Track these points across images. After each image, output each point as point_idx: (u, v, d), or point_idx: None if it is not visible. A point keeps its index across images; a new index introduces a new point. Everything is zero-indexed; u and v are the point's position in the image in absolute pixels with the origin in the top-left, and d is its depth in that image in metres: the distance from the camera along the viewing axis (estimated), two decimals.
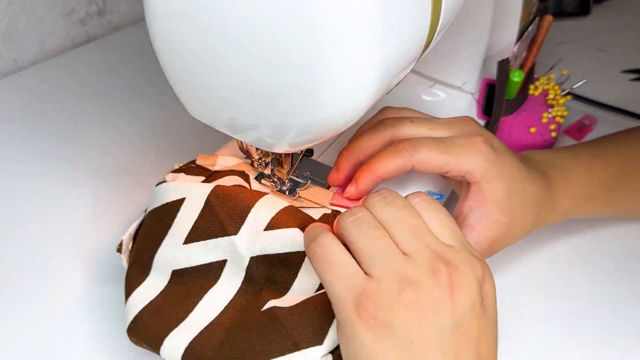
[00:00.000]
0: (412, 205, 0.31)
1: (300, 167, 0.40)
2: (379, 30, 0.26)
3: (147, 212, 0.38)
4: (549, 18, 0.50)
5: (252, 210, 0.34)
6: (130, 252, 0.38)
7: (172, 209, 0.36)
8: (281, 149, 0.34)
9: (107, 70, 0.65)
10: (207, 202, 0.35)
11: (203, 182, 0.38)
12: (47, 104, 0.59)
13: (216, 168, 0.40)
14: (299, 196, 0.38)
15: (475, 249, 0.31)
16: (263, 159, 0.38)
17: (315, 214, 0.36)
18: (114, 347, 0.37)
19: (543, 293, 0.43)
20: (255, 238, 0.34)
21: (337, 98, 0.27)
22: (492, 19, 0.46)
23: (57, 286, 0.41)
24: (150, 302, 0.35)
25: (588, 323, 0.41)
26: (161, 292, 0.35)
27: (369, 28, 0.26)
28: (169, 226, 0.36)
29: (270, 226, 0.33)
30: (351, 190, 0.36)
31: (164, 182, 0.39)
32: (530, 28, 0.50)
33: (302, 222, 0.34)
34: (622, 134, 0.45)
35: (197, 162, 0.40)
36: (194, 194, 0.36)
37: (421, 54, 0.32)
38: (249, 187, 0.38)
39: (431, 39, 0.31)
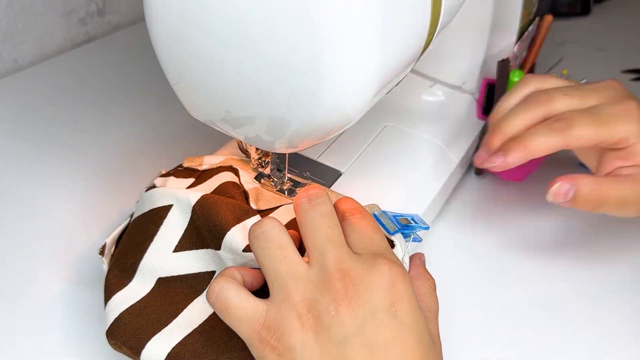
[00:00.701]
0: (333, 213, 0.31)
1: (300, 167, 0.40)
2: (379, 30, 0.26)
3: (133, 217, 0.37)
4: (549, 18, 0.50)
5: (227, 234, 0.33)
6: (112, 255, 0.37)
7: (159, 215, 0.35)
8: (281, 149, 0.34)
9: (107, 70, 0.65)
10: (194, 212, 0.34)
11: (193, 183, 0.38)
12: (46, 104, 0.59)
13: (204, 167, 0.40)
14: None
15: (389, 249, 0.31)
16: (263, 158, 0.38)
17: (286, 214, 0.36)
18: (93, 350, 0.37)
19: (545, 296, 0.43)
20: (236, 256, 0.33)
21: (337, 98, 0.27)
22: (492, 19, 0.46)
23: (45, 287, 0.41)
24: (132, 305, 0.34)
25: (589, 324, 0.41)
26: (144, 297, 0.34)
27: (369, 28, 0.26)
28: (154, 232, 0.35)
29: (248, 249, 0.33)
30: (498, 160, 0.35)
31: (153, 187, 0.38)
32: (530, 28, 0.50)
33: None
34: None
35: (184, 165, 0.40)
36: (182, 202, 0.35)
37: (421, 54, 0.32)
38: (239, 185, 0.37)
39: (431, 39, 0.31)
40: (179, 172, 0.39)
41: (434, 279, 0.34)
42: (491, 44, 0.48)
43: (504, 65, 0.46)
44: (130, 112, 0.59)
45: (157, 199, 0.36)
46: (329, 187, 0.39)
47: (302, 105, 0.28)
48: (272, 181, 0.39)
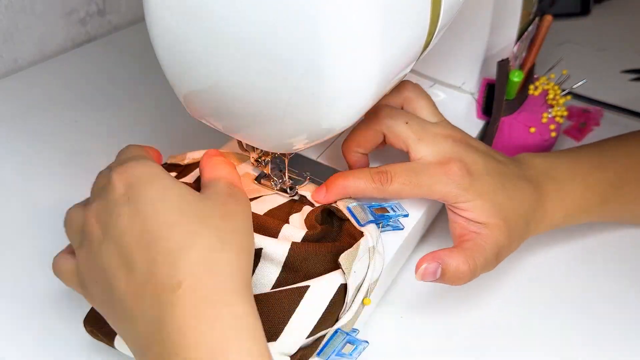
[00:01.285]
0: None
1: (300, 167, 0.40)
2: (379, 30, 0.26)
3: None
4: (549, 18, 0.50)
5: None
6: None
7: None
8: (281, 148, 0.34)
9: (107, 70, 0.65)
10: None
11: (176, 175, 0.39)
12: (47, 104, 0.59)
13: (186, 162, 0.40)
14: (296, 193, 0.38)
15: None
16: (263, 158, 0.38)
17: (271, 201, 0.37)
18: (92, 349, 0.37)
19: (543, 296, 0.43)
20: None
21: (337, 98, 0.27)
22: (492, 19, 0.46)
23: (51, 286, 0.41)
24: None
25: (587, 324, 0.41)
26: None
27: (369, 28, 0.26)
28: None
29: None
30: (320, 195, 0.37)
31: None
32: (530, 28, 0.50)
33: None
34: (623, 140, 0.45)
35: (168, 162, 0.41)
36: None
37: (421, 54, 0.32)
38: None
39: (431, 39, 0.31)
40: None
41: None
42: (491, 44, 0.48)
43: (503, 66, 0.46)
44: (130, 112, 0.59)
45: None
46: None
47: (302, 105, 0.28)
48: (272, 181, 0.39)
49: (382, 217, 0.37)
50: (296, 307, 0.31)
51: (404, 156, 0.39)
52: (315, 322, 0.31)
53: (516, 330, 0.40)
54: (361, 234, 0.35)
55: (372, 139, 0.40)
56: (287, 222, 0.35)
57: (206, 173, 0.33)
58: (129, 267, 0.28)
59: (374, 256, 0.34)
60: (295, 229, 0.34)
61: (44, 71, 0.64)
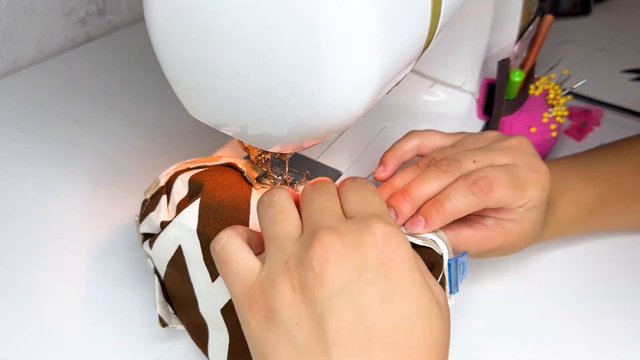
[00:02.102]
0: (333, 191, 0.30)
1: (300, 167, 0.40)
2: (378, 29, 0.26)
3: (161, 273, 0.37)
4: (549, 18, 0.50)
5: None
6: (175, 313, 0.38)
7: (178, 262, 0.35)
8: (281, 148, 0.34)
9: (106, 70, 0.65)
10: (200, 235, 0.34)
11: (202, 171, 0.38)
12: (46, 104, 0.59)
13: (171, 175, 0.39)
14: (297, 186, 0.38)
15: (387, 213, 0.29)
16: (262, 156, 0.38)
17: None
18: (89, 350, 0.37)
19: (541, 298, 0.43)
20: None
21: (337, 98, 0.27)
22: (492, 19, 0.46)
23: (52, 286, 0.41)
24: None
25: (585, 326, 0.41)
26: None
27: (369, 28, 0.26)
28: (187, 274, 0.35)
29: None
30: (419, 227, 0.33)
31: (144, 214, 0.39)
32: (530, 28, 0.50)
33: None
34: (614, 149, 0.44)
35: (177, 169, 0.39)
36: (185, 237, 0.35)
37: (421, 54, 0.32)
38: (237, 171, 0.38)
39: (431, 39, 0.31)
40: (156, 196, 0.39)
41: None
42: (491, 44, 0.48)
43: (504, 65, 0.46)
44: (130, 112, 0.59)
45: (166, 250, 0.36)
46: None
47: (302, 105, 0.28)
48: (273, 179, 0.39)
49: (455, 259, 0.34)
50: None
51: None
52: None
53: (516, 330, 0.40)
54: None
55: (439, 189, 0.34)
56: None
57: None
58: (364, 350, 0.24)
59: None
60: None
61: (44, 71, 0.64)
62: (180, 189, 0.37)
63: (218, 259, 0.29)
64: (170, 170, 0.39)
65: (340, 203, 0.30)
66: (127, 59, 0.67)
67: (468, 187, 0.33)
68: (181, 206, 0.36)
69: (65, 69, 0.65)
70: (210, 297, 0.34)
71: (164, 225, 0.36)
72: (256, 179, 0.39)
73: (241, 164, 0.39)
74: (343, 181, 0.32)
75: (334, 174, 0.42)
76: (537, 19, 0.51)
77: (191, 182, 0.37)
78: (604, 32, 0.77)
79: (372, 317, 0.25)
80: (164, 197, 0.38)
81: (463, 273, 0.33)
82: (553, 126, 0.50)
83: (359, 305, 0.25)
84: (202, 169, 0.38)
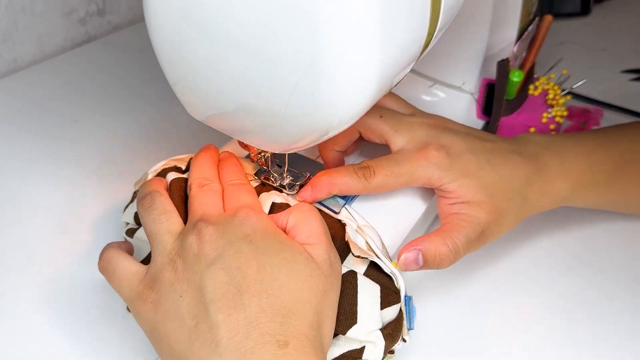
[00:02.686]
0: (215, 188, 0.35)
1: (300, 167, 0.40)
2: (378, 30, 0.26)
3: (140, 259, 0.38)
4: (548, 18, 0.50)
5: None
6: None
7: None
8: (280, 148, 0.34)
9: (106, 70, 0.65)
10: None
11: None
12: (46, 104, 0.59)
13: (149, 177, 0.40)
14: (296, 189, 0.38)
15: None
16: (262, 154, 0.38)
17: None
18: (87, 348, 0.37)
19: (533, 292, 0.43)
20: None
21: (336, 98, 0.27)
22: (492, 19, 0.46)
23: (53, 286, 0.41)
24: None
25: (580, 323, 0.41)
26: None
27: (369, 28, 0.26)
28: None
29: None
30: (306, 194, 0.37)
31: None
32: (530, 28, 0.50)
33: None
34: (625, 126, 0.44)
35: (167, 166, 0.40)
36: None
37: (421, 54, 0.32)
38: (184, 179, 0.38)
39: (431, 39, 0.31)
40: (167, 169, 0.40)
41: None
42: (491, 44, 0.48)
43: (503, 66, 0.46)
44: (130, 112, 0.59)
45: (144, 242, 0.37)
46: None
47: (302, 105, 0.28)
48: (272, 176, 0.39)
49: (345, 198, 0.38)
50: (357, 289, 0.33)
51: (384, 150, 0.39)
52: (379, 299, 0.33)
53: (516, 330, 0.40)
54: (342, 225, 0.36)
55: (347, 135, 0.40)
56: None
57: (304, 226, 0.33)
58: (236, 302, 0.28)
59: (364, 231, 0.36)
60: None
61: (44, 71, 0.64)
62: None
63: (107, 272, 0.33)
64: (159, 167, 0.40)
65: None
66: (127, 59, 0.67)
67: (353, 170, 0.37)
68: None
69: (65, 69, 0.65)
70: None
71: (137, 215, 0.38)
72: (255, 175, 0.39)
73: (178, 163, 0.40)
74: (224, 173, 0.37)
75: None
76: (537, 19, 0.51)
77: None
78: (604, 32, 0.77)
79: (241, 274, 0.29)
80: None
81: (413, 313, 0.35)
82: (552, 126, 0.50)
83: (229, 267, 0.29)
84: (186, 175, 0.39)
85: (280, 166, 0.39)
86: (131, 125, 0.57)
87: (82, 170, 0.51)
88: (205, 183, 0.35)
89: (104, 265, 0.33)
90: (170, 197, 0.36)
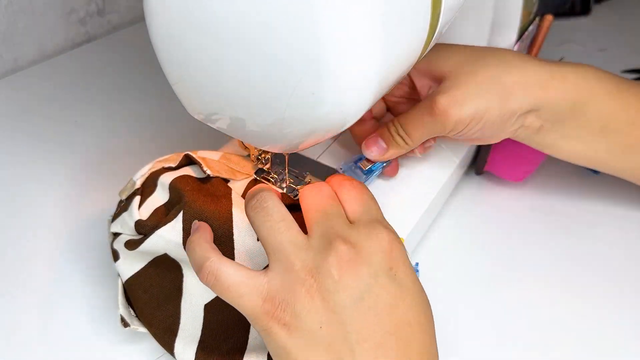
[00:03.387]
0: (332, 194, 0.32)
1: (300, 167, 0.40)
2: (379, 30, 0.26)
3: (138, 269, 0.37)
4: (549, 18, 0.50)
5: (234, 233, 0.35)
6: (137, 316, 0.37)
7: (164, 260, 0.36)
8: (281, 148, 0.34)
9: (106, 70, 0.65)
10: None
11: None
12: (46, 104, 0.59)
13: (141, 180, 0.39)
14: (295, 189, 0.38)
15: (384, 218, 0.32)
16: (263, 155, 0.38)
17: (240, 185, 0.37)
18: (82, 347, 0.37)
19: (540, 292, 0.43)
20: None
21: (337, 97, 0.27)
22: (492, 19, 0.46)
23: (54, 286, 0.41)
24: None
25: (585, 323, 0.41)
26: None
27: (369, 28, 0.26)
28: (176, 269, 0.36)
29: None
30: (380, 152, 0.40)
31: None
32: (530, 28, 0.50)
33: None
34: None
35: (155, 169, 0.39)
36: (171, 247, 0.35)
37: (421, 54, 0.32)
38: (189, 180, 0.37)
39: (431, 39, 0.31)
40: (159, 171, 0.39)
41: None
42: (491, 44, 0.48)
43: None
44: (130, 112, 0.59)
45: (148, 252, 0.36)
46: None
47: (302, 105, 0.28)
48: (272, 177, 0.39)
49: (370, 172, 0.38)
50: None
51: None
52: None
53: (517, 331, 0.40)
54: None
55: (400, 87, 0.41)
56: None
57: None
58: (382, 345, 0.28)
59: None
60: None
61: (44, 71, 0.64)
62: (161, 194, 0.37)
63: (216, 289, 0.29)
64: (145, 171, 0.39)
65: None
66: (127, 59, 0.67)
67: (392, 135, 0.39)
68: (159, 212, 0.37)
69: (65, 69, 0.65)
70: (198, 293, 0.35)
71: (140, 225, 0.36)
72: (254, 174, 0.39)
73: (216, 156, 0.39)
74: (338, 181, 0.33)
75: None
76: (537, 19, 0.51)
77: (171, 188, 0.37)
78: (604, 32, 0.77)
79: (389, 317, 0.28)
80: (137, 198, 0.38)
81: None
82: None
83: (377, 307, 0.28)
84: (180, 171, 0.38)
85: (280, 167, 0.39)
86: (131, 125, 0.57)
87: (82, 170, 0.51)
88: (317, 188, 0.33)
89: (211, 280, 0.29)
90: (190, 197, 0.35)
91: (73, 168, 0.51)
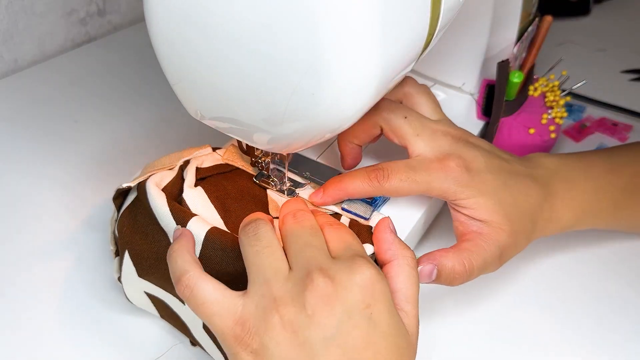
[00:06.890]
0: (315, 226, 0.32)
1: (300, 167, 0.40)
2: (378, 30, 0.26)
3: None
4: (548, 18, 0.50)
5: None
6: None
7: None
8: (281, 149, 0.34)
9: (107, 70, 0.65)
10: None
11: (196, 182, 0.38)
12: (46, 104, 0.59)
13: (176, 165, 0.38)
14: (298, 190, 0.38)
15: (367, 255, 0.31)
16: (263, 158, 0.38)
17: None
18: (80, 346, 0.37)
19: (549, 304, 0.43)
20: None
21: (336, 98, 0.27)
22: (492, 19, 0.46)
23: (46, 281, 0.41)
24: None
25: (592, 330, 0.41)
26: None
27: (369, 28, 0.26)
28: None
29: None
30: (317, 197, 0.37)
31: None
32: (530, 28, 0.50)
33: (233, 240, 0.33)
34: (635, 146, 0.44)
35: (141, 179, 0.38)
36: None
37: (421, 54, 0.32)
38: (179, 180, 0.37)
39: (431, 39, 0.31)
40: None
41: (411, 250, 0.33)
42: (491, 45, 0.48)
43: (503, 67, 0.46)
44: (130, 112, 0.59)
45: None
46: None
47: (302, 105, 0.28)
48: (272, 181, 0.39)
49: (373, 202, 0.38)
50: None
51: (400, 153, 0.39)
52: None
53: (518, 333, 0.40)
54: (369, 231, 0.35)
55: (368, 130, 0.39)
56: None
57: (406, 287, 0.31)
58: None
59: None
60: None
61: (44, 71, 0.64)
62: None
63: (190, 303, 0.29)
64: (140, 178, 0.38)
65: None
66: (127, 59, 0.67)
67: (366, 172, 0.36)
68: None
69: (66, 69, 0.65)
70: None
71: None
72: (254, 178, 0.39)
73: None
74: (321, 220, 0.33)
75: (334, 174, 0.42)
76: (537, 19, 0.51)
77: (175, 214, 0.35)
78: (604, 32, 0.77)
79: (358, 357, 0.27)
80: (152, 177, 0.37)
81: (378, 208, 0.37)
82: (552, 127, 0.50)
83: (347, 347, 0.27)
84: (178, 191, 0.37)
85: (280, 170, 0.39)
86: (131, 125, 0.57)
87: (82, 170, 0.51)
88: (299, 218, 0.32)
89: (187, 294, 0.29)
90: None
91: (73, 168, 0.51)
